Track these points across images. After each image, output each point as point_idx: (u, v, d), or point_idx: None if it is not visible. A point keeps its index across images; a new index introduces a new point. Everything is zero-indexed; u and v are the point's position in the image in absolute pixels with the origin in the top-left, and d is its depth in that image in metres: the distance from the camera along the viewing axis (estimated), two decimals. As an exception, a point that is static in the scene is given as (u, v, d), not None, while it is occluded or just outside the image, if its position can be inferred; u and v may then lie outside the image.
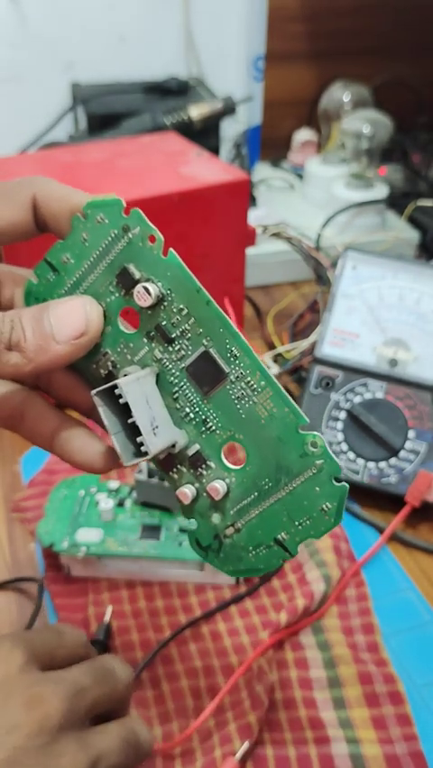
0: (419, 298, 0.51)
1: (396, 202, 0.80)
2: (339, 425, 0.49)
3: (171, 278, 0.25)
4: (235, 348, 0.24)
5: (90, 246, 0.25)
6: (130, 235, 0.25)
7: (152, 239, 0.24)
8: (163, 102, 0.80)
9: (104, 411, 0.25)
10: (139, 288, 0.25)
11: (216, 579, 0.43)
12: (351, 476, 0.48)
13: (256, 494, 0.25)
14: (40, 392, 0.28)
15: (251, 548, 0.25)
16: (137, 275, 0.25)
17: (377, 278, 0.52)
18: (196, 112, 0.76)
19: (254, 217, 0.73)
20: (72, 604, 0.41)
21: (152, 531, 0.43)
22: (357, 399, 0.49)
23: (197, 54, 0.93)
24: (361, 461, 0.48)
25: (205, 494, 0.26)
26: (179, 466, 0.26)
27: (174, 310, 0.25)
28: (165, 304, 0.25)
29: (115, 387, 0.24)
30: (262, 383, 0.24)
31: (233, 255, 0.59)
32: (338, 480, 0.24)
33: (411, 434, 0.48)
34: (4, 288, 0.27)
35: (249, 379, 0.24)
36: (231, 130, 0.86)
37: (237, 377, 0.24)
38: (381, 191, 0.78)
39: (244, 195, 0.56)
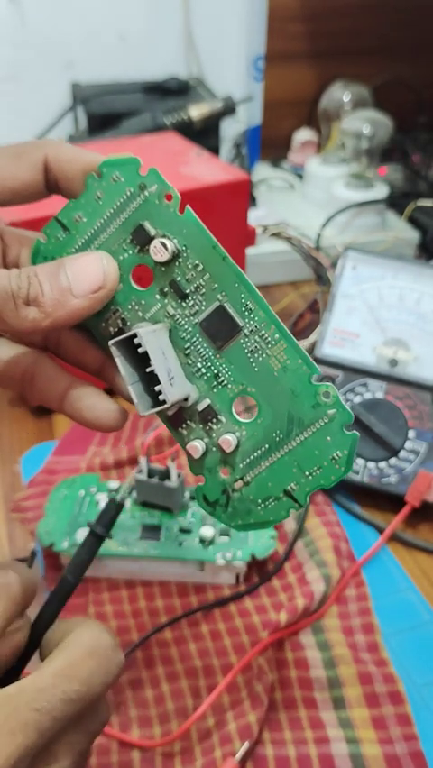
0: (419, 298, 0.51)
1: (396, 202, 0.80)
2: (339, 425, 0.49)
3: (187, 235, 0.25)
4: (251, 302, 0.25)
5: (104, 204, 0.26)
6: (146, 193, 0.25)
7: (169, 197, 0.25)
8: (163, 102, 0.80)
9: (121, 361, 0.25)
10: (156, 242, 0.25)
11: (216, 579, 0.43)
12: (351, 476, 0.48)
13: (267, 446, 0.25)
14: (49, 354, 0.28)
15: (260, 501, 0.26)
16: (152, 232, 0.25)
17: (377, 278, 0.52)
18: (196, 112, 0.76)
19: (254, 217, 0.73)
20: (72, 604, 0.41)
21: (151, 531, 0.43)
22: (357, 399, 0.49)
23: (197, 54, 0.93)
24: (361, 461, 0.48)
25: (214, 448, 0.26)
26: (188, 422, 0.26)
27: (189, 266, 0.25)
28: (180, 260, 0.25)
29: (134, 336, 0.24)
30: (277, 336, 0.25)
31: (233, 255, 0.58)
32: (348, 430, 0.24)
33: (411, 434, 0.48)
34: (9, 250, 0.28)
35: (263, 332, 0.25)
36: (231, 130, 0.86)
37: (251, 330, 0.25)
38: (381, 191, 0.79)
39: (244, 195, 0.56)
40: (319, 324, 0.53)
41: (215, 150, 0.80)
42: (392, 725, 0.35)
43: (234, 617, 0.41)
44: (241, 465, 0.26)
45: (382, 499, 0.48)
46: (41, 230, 0.27)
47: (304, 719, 0.36)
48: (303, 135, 0.95)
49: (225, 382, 0.26)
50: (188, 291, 0.25)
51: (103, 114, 0.79)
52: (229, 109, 0.78)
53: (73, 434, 0.54)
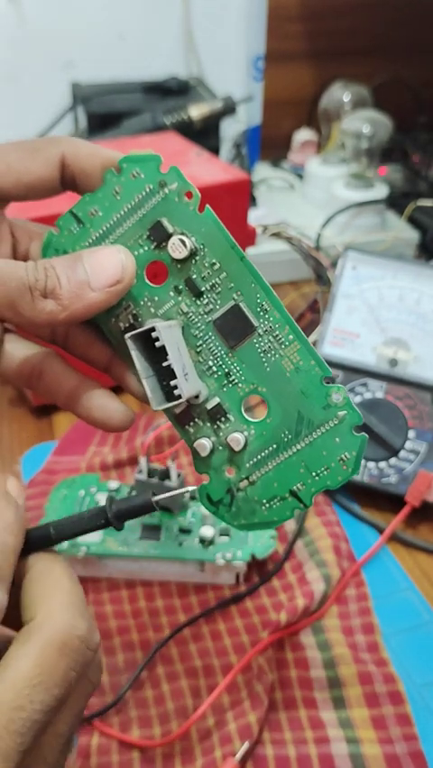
0: (419, 298, 0.51)
1: (396, 202, 0.80)
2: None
3: (206, 234, 0.25)
4: (266, 302, 0.25)
5: (122, 200, 0.26)
6: (166, 190, 0.25)
7: (189, 195, 0.25)
8: (163, 102, 0.80)
9: (136, 355, 0.25)
10: (174, 239, 0.25)
11: (216, 579, 0.43)
12: (351, 476, 0.48)
13: (275, 446, 0.26)
14: (57, 350, 0.28)
15: (265, 501, 0.26)
16: (171, 229, 0.25)
17: (377, 278, 0.52)
18: (196, 112, 0.76)
19: (254, 217, 0.73)
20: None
21: (151, 531, 0.43)
22: (357, 399, 0.49)
23: (197, 54, 0.93)
24: (361, 461, 0.48)
25: (221, 447, 0.26)
26: (196, 419, 0.27)
27: (206, 264, 0.25)
28: (197, 258, 0.25)
29: (152, 330, 0.24)
30: (291, 337, 0.25)
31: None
32: (357, 431, 0.25)
33: (411, 434, 0.48)
34: (19, 244, 0.28)
35: (278, 332, 0.25)
36: (231, 130, 0.86)
37: (265, 330, 0.25)
38: (381, 191, 0.78)
39: (244, 195, 0.56)
40: (319, 324, 0.53)
41: (215, 150, 0.80)
42: (392, 725, 0.35)
43: (235, 617, 0.41)
44: (248, 465, 0.26)
45: (382, 499, 0.48)
46: (55, 222, 0.27)
47: (304, 719, 0.36)
48: (303, 135, 0.95)
49: (236, 381, 0.26)
50: (203, 289, 0.26)
51: (103, 113, 0.79)
52: (229, 109, 0.78)
53: (73, 434, 0.54)
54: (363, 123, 0.78)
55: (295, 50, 0.98)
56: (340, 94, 0.86)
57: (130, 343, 0.25)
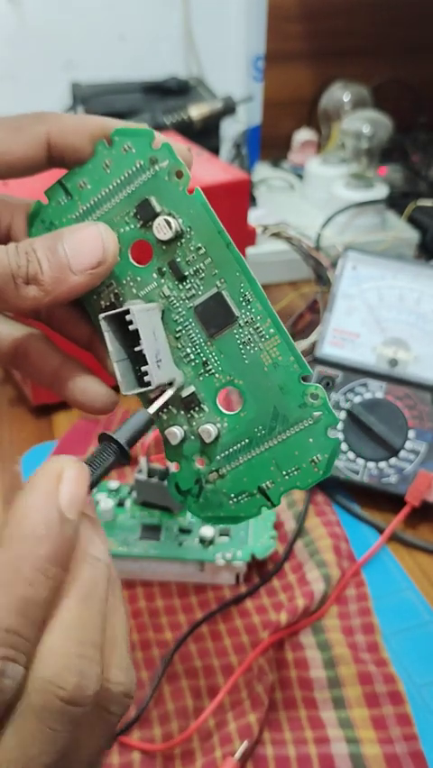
0: (419, 298, 0.51)
1: (396, 202, 0.80)
2: (339, 425, 0.49)
3: (194, 216, 0.24)
4: (249, 293, 0.24)
5: (112, 174, 0.25)
6: (156, 168, 0.24)
7: (180, 174, 0.24)
8: (163, 102, 0.80)
9: (109, 337, 0.24)
10: (160, 220, 0.24)
11: (216, 579, 0.43)
12: (351, 476, 0.48)
13: (247, 441, 0.25)
14: (42, 328, 0.28)
15: (233, 495, 0.26)
16: (158, 208, 0.25)
17: (377, 278, 0.52)
18: (196, 112, 0.76)
19: (254, 217, 0.73)
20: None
21: (151, 531, 0.43)
22: (357, 399, 0.49)
23: (197, 54, 0.93)
24: (361, 461, 0.48)
25: (193, 437, 0.26)
26: (170, 407, 0.26)
27: (191, 248, 0.25)
28: (183, 241, 0.25)
29: (126, 312, 0.24)
30: (272, 330, 0.24)
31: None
32: (332, 434, 0.24)
33: (411, 434, 0.48)
34: (1, 217, 0.27)
35: (259, 324, 0.24)
36: (231, 130, 0.86)
37: (246, 321, 0.24)
38: (381, 191, 0.78)
39: (244, 195, 0.56)
40: (319, 324, 0.53)
41: (215, 150, 0.80)
42: (392, 725, 0.35)
43: (235, 617, 0.41)
44: (218, 457, 0.25)
45: (382, 499, 0.48)
46: (44, 192, 0.26)
47: (304, 719, 0.36)
48: (303, 135, 0.95)
49: (213, 371, 0.25)
50: (186, 273, 0.25)
51: (103, 113, 0.78)
52: (229, 109, 0.78)
53: (73, 434, 0.54)
54: (363, 123, 0.78)
55: (295, 50, 0.98)
56: (340, 94, 0.86)
57: (104, 324, 0.24)
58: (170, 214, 0.24)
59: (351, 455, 0.48)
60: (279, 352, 0.24)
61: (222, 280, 0.24)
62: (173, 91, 0.83)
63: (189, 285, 0.25)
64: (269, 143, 0.94)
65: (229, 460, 0.25)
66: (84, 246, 0.24)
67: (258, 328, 0.24)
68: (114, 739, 0.23)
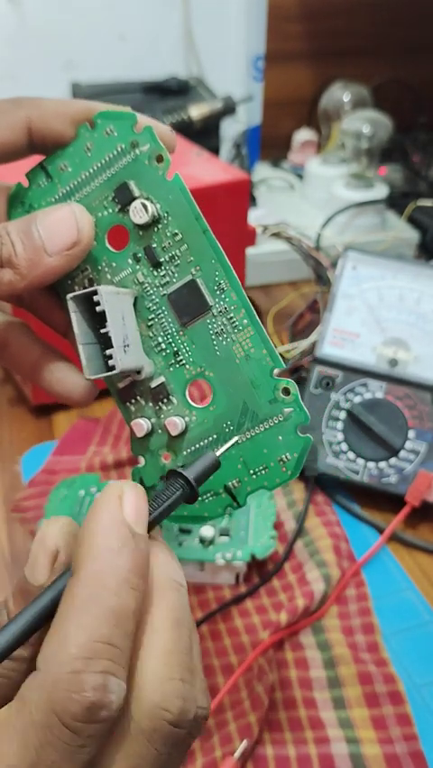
0: (419, 298, 0.51)
1: (396, 202, 0.80)
2: (339, 425, 0.49)
3: (172, 202, 0.24)
4: (224, 282, 0.24)
5: (93, 157, 0.25)
6: (137, 152, 0.24)
7: (160, 159, 0.24)
8: (163, 102, 0.80)
9: (76, 318, 0.24)
10: (137, 203, 0.24)
11: (216, 579, 0.43)
12: (351, 476, 0.48)
13: (215, 436, 0.24)
14: (23, 316, 0.27)
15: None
16: (136, 192, 0.24)
17: (377, 278, 0.52)
18: (196, 112, 0.76)
19: (254, 217, 0.73)
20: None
21: (151, 531, 0.43)
22: (357, 399, 0.49)
23: (197, 54, 0.93)
24: (361, 461, 0.48)
25: (160, 430, 0.25)
26: (138, 398, 0.25)
27: (168, 234, 0.24)
28: (159, 226, 0.24)
29: (94, 293, 0.23)
30: (245, 321, 0.24)
31: (233, 255, 0.58)
32: (302, 432, 0.23)
33: (411, 434, 0.48)
34: None
35: (232, 315, 0.24)
36: (231, 130, 0.86)
37: (220, 311, 0.24)
38: (381, 191, 0.79)
39: (244, 195, 0.56)
40: (319, 324, 0.53)
41: (215, 150, 0.80)
42: (392, 725, 0.35)
43: (234, 617, 0.41)
44: (185, 452, 0.25)
45: (382, 499, 0.48)
46: (25, 175, 0.26)
47: (304, 719, 0.36)
48: (303, 135, 0.95)
49: (184, 362, 0.24)
50: (162, 260, 0.24)
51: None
52: (229, 109, 0.78)
53: (73, 434, 0.54)
54: (363, 123, 0.78)
55: (295, 50, 0.98)
56: (340, 94, 0.86)
57: (71, 305, 0.24)
58: (147, 199, 0.24)
59: (351, 455, 0.48)
60: (252, 345, 0.23)
61: (197, 268, 0.24)
62: (173, 91, 0.83)
63: (164, 272, 0.24)
64: (269, 143, 0.94)
65: (195, 455, 0.24)
66: (58, 227, 0.23)
67: (231, 318, 0.24)
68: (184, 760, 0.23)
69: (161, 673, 0.19)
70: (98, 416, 0.56)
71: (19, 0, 0.84)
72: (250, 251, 0.60)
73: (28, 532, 0.46)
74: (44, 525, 0.21)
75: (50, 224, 0.23)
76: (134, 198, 0.24)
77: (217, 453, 0.23)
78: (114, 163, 0.24)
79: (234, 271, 0.24)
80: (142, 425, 0.25)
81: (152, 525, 0.21)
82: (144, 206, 0.24)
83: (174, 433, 0.24)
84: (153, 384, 0.25)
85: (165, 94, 0.83)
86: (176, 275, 0.24)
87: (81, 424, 0.55)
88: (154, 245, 0.24)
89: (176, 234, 0.24)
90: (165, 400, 0.25)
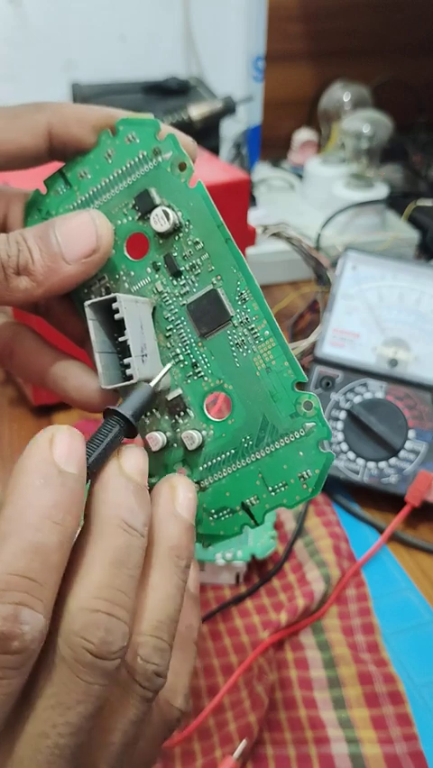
0: (419, 298, 0.51)
1: (396, 202, 0.80)
2: (339, 425, 0.49)
3: (193, 209, 0.23)
4: (246, 291, 0.23)
5: (113, 164, 0.24)
6: (159, 159, 0.24)
7: (183, 166, 0.24)
8: (163, 102, 0.80)
9: (94, 326, 0.23)
10: (158, 210, 0.23)
11: (216, 579, 0.43)
12: (351, 476, 0.48)
13: (233, 451, 0.23)
14: (32, 323, 0.27)
15: (213, 511, 0.24)
16: (157, 200, 0.24)
17: (377, 278, 0.52)
18: (196, 112, 0.76)
19: (254, 217, 0.73)
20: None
21: (152, 531, 0.43)
22: (357, 399, 0.49)
23: (197, 54, 0.93)
24: (361, 461, 0.48)
25: (176, 445, 0.24)
26: (154, 410, 0.25)
27: (189, 242, 0.24)
28: (180, 234, 0.24)
29: (113, 300, 0.23)
30: (267, 332, 0.23)
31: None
32: (324, 448, 0.22)
33: (411, 434, 0.48)
34: None
35: (253, 325, 0.23)
36: (231, 130, 0.86)
37: (241, 322, 0.23)
38: (381, 191, 0.79)
39: (244, 195, 0.56)
40: (319, 324, 0.53)
41: (215, 150, 0.80)
42: (392, 725, 0.35)
43: (235, 617, 0.41)
44: (201, 467, 0.24)
45: (382, 499, 0.48)
46: (43, 181, 0.26)
47: (304, 719, 0.36)
48: (303, 135, 0.95)
49: (203, 374, 0.24)
50: (182, 269, 0.24)
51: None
52: (229, 109, 0.78)
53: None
54: (363, 123, 0.78)
55: (295, 50, 0.98)
56: (340, 94, 0.86)
57: (89, 312, 0.23)
58: (169, 206, 0.24)
59: (351, 455, 0.48)
60: (273, 356, 0.23)
61: (218, 277, 0.23)
62: (173, 91, 0.83)
63: (184, 281, 0.24)
64: (269, 143, 0.94)
65: (212, 471, 0.24)
66: (77, 234, 0.23)
67: (252, 329, 0.23)
68: (160, 747, 0.23)
69: (85, 604, 0.19)
70: (100, 417, 0.56)
71: (19, 0, 0.84)
72: (250, 251, 0.60)
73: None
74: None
75: (69, 231, 0.23)
76: (156, 206, 0.24)
77: (152, 384, 0.23)
78: (135, 170, 0.24)
79: (256, 282, 0.23)
80: (157, 439, 0.24)
81: (94, 466, 0.20)
82: (166, 214, 0.23)
83: (191, 447, 0.24)
84: (170, 396, 0.24)
85: (165, 94, 0.83)
86: (196, 284, 0.24)
87: (82, 424, 0.55)
88: (175, 254, 0.24)
89: (197, 243, 0.23)
90: (182, 413, 0.24)
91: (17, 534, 0.18)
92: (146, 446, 0.24)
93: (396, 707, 0.36)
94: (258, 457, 0.23)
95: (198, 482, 0.24)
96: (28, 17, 0.85)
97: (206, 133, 0.77)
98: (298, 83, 0.99)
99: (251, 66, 0.86)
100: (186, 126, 0.76)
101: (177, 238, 0.24)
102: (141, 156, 0.24)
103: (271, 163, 0.96)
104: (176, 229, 0.24)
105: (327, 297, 0.54)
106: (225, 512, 0.24)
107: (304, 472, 0.22)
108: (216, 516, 0.24)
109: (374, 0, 0.97)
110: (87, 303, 0.23)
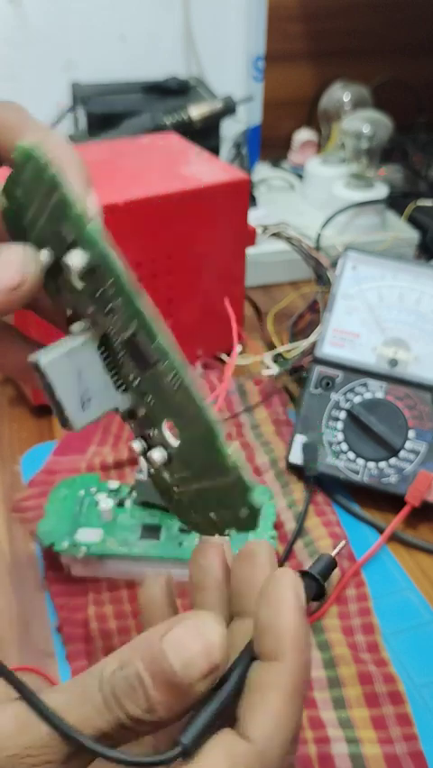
0: (419, 298, 0.51)
1: (396, 202, 0.80)
2: (339, 425, 0.49)
3: (97, 251, 0.22)
4: (158, 342, 0.22)
5: (33, 194, 0.23)
6: (56, 195, 0.22)
7: (68, 204, 0.21)
8: (163, 102, 0.80)
9: (44, 384, 0.23)
10: (71, 252, 0.22)
11: (216, 579, 0.43)
12: (351, 476, 0.48)
13: (190, 473, 0.24)
14: (30, 314, 0.27)
15: (193, 513, 0.25)
16: (69, 238, 0.22)
17: (377, 278, 0.52)
18: (196, 112, 0.76)
19: (254, 217, 0.73)
20: (72, 604, 0.41)
21: (151, 531, 0.43)
22: (357, 399, 0.49)
23: (197, 54, 0.93)
24: (361, 461, 0.48)
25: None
26: (132, 424, 0.26)
27: (107, 282, 0.22)
28: (98, 273, 0.22)
29: (36, 366, 0.23)
30: (179, 383, 0.22)
31: (233, 255, 0.58)
32: (251, 498, 0.22)
33: (411, 434, 0.48)
34: None
35: (170, 376, 0.22)
36: (231, 130, 0.86)
37: (163, 370, 0.22)
38: (381, 191, 0.79)
39: (244, 195, 0.56)
40: (319, 324, 0.53)
41: (215, 150, 0.80)
42: (392, 725, 0.35)
43: (235, 617, 0.41)
44: (175, 476, 0.25)
45: (382, 499, 0.48)
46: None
47: (304, 719, 0.36)
48: (303, 135, 0.95)
49: (151, 404, 0.24)
50: (111, 307, 0.22)
51: (103, 114, 0.79)
52: (229, 109, 0.78)
53: (73, 434, 0.54)
54: (363, 123, 0.78)
55: (295, 50, 0.98)
56: (340, 94, 0.86)
57: (37, 373, 0.23)
58: (77, 246, 0.22)
59: (351, 455, 0.48)
60: (198, 405, 0.22)
61: (135, 321, 0.22)
62: (173, 91, 0.83)
63: (116, 317, 0.23)
64: (269, 143, 0.94)
65: (182, 483, 0.24)
66: (3, 268, 0.23)
67: (171, 379, 0.22)
68: None
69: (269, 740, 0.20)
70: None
71: (19, 0, 0.84)
72: (250, 251, 0.60)
73: (28, 532, 0.46)
74: (211, 633, 0.21)
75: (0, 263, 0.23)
76: (69, 245, 0.22)
77: (334, 554, 0.27)
78: (46, 203, 0.23)
79: (161, 333, 0.22)
80: (135, 448, 0.26)
81: None
82: (78, 255, 0.22)
83: (155, 465, 0.25)
84: (139, 414, 0.25)
85: (165, 94, 0.83)
86: (124, 324, 0.23)
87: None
88: (102, 289, 0.22)
89: (113, 284, 0.22)
90: (152, 429, 0.25)
91: (301, 692, 0.21)
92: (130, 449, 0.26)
93: (396, 707, 0.36)
94: (208, 485, 0.24)
95: (177, 486, 0.25)
96: (28, 17, 0.85)
97: (206, 133, 0.77)
98: (298, 83, 0.99)
99: (251, 66, 0.86)
100: (186, 126, 0.76)
101: (98, 276, 0.22)
102: (45, 191, 0.22)
103: (271, 163, 0.96)
104: (92, 269, 0.22)
105: (327, 297, 0.54)
106: (199, 516, 0.25)
107: (240, 512, 0.23)
108: (195, 515, 0.25)
109: (374, 0, 0.97)
110: (28, 360, 0.23)
